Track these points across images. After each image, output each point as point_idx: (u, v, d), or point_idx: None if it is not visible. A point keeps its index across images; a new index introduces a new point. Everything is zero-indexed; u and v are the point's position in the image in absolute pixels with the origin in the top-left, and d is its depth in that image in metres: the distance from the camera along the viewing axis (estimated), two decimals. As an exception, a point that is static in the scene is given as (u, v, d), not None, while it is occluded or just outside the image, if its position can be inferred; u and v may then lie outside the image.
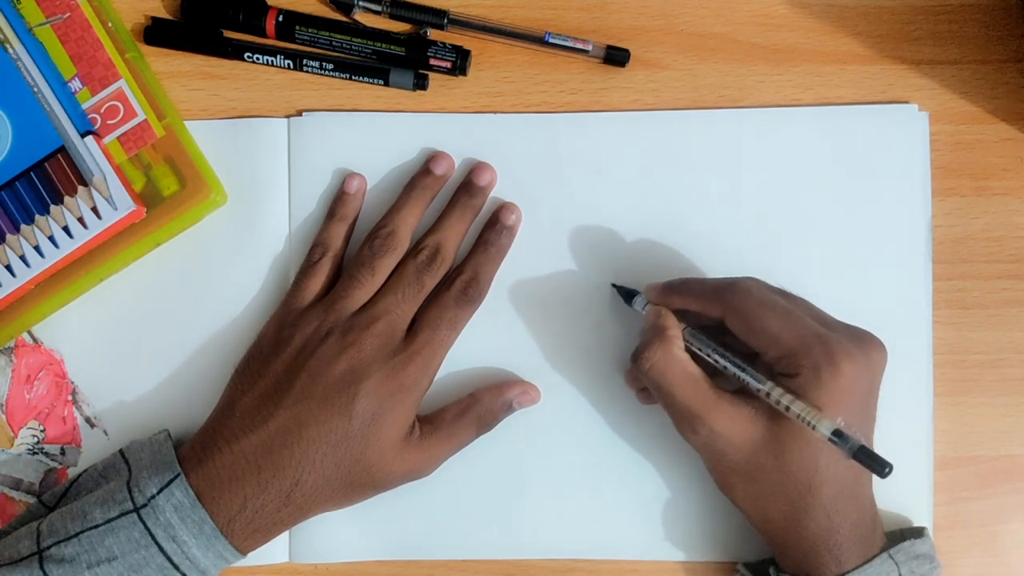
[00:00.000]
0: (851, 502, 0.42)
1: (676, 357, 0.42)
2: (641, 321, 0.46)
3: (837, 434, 0.39)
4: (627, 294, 0.48)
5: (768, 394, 0.41)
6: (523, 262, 0.49)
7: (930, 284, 0.49)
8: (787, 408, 0.40)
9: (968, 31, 0.50)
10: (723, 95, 0.50)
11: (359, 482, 0.44)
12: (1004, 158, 0.50)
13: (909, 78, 0.50)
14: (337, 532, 0.49)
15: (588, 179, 0.50)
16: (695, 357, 0.43)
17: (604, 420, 0.49)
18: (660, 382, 0.42)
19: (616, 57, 0.50)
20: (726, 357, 0.43)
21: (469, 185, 0.49)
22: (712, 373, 0.43)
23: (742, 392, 0.42)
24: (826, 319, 0.43)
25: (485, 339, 0.49)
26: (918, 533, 0.45)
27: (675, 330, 0.43)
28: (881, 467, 0.38)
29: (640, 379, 0.45)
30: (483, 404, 0.47)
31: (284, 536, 0.48)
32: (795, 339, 0.41)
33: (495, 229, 0.49)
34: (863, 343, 0.42)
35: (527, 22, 0.50)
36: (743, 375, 0.42)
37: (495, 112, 0.50)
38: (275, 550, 0.48)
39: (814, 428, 0.39)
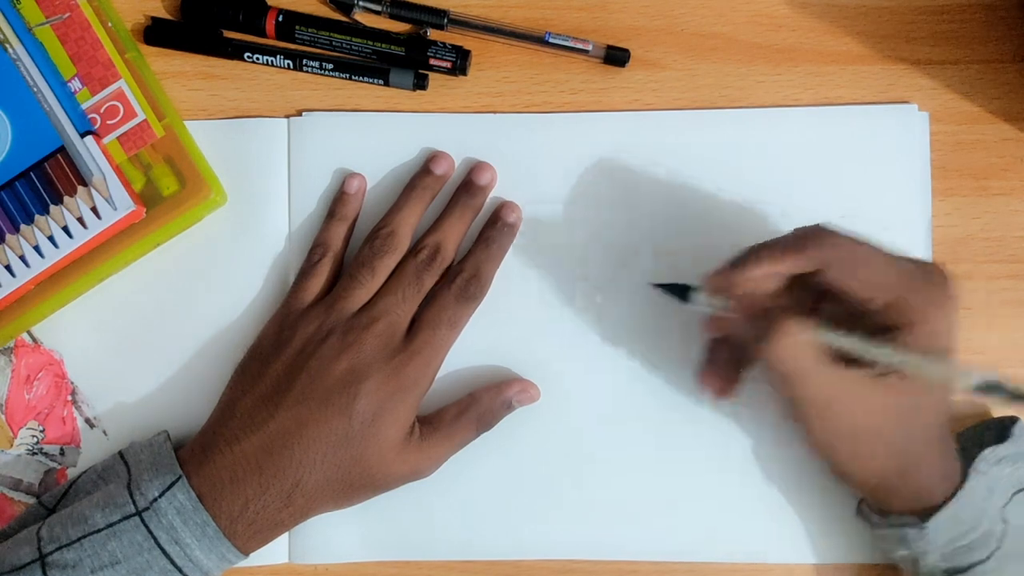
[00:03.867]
0: (949, 428, 0.42)
1: (804, 343, 0.39)
2: (693, 319, 0.44)
3: (990, 384, 0.38)
4: (680, 291, 0.43)
5: (914, 367, 0.39)
6: (523, 261, 0.49)
7: (930, 284, 0.49)
8: (937, 374, 0.39)
9: (968, 31, 0.50)
10: (723, 95, 0.50)
11: (359, 482, 0.44)
12: (1004, 158, 0.50)
13: (909, 78, 0.50)
14: (337, 532, 0.49)
15: (588, 179, 0.50)
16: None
17: (604, 419, 0.49)
18: (792, 373, 0.39)
19: (616, 57, 0.50)
20: (858, 337, 0.40)
21: (469, 185, 0.49)
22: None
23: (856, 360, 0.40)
24: (896, 254, 0.41)
25: (485, 338, 0.49)
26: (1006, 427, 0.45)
27: (787, 315, 0.40)
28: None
29: (720, 379, 0.45)
30: (482, 403, 0.47)
31: (284, 537, 0.48)
32: (901, 284, 0.40)
33: (496, 227, 0.49)
34: (937, 271, 0.41)
35: (527, 22, 0.50)
36: (882, 352, 0.39)
37: (495, 112, 0.50)
38: (275, 551, 0.48)
39: (971, 386, 0.38)
